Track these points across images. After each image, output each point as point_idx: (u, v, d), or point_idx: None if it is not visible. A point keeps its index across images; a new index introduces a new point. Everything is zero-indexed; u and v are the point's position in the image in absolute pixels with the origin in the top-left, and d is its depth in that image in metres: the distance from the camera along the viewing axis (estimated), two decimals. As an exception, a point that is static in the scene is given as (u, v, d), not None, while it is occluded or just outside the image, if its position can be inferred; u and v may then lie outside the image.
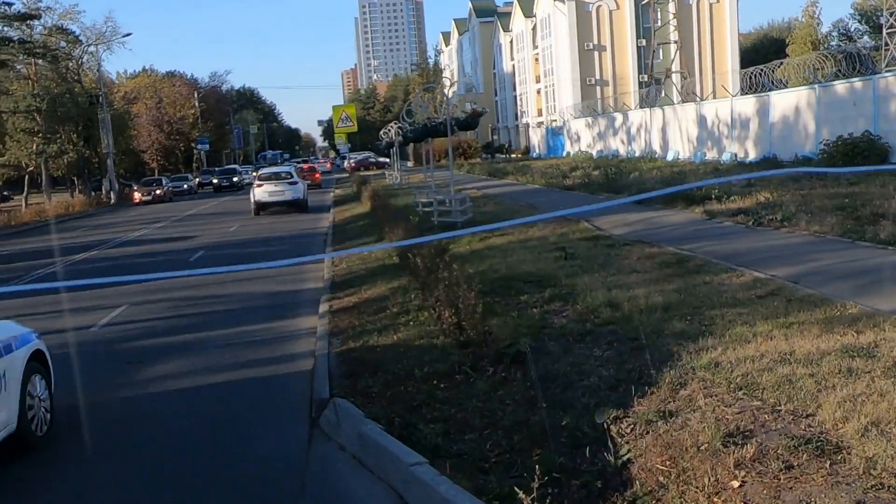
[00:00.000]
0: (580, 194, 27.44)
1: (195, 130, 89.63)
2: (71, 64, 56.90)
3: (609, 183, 26.93)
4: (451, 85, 55.51)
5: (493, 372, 7.96)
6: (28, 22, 47.06)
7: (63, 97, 54.10)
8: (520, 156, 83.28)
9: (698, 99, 46.51)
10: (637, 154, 46.20)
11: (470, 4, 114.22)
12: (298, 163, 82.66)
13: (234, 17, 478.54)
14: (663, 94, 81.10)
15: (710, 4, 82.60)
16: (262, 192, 32.86)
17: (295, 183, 33.48)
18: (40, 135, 49.75)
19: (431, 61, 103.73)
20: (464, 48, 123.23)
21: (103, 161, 57.56)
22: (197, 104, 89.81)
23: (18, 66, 49.65)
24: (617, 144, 50.99)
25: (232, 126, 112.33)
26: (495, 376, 7.82)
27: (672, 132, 42.18)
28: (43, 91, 50.56)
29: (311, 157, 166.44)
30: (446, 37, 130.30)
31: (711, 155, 37.15)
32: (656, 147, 44.34)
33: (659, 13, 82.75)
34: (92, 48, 56.80)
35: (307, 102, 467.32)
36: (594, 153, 54.17)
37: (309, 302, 13.76)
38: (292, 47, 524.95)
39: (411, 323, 10.24)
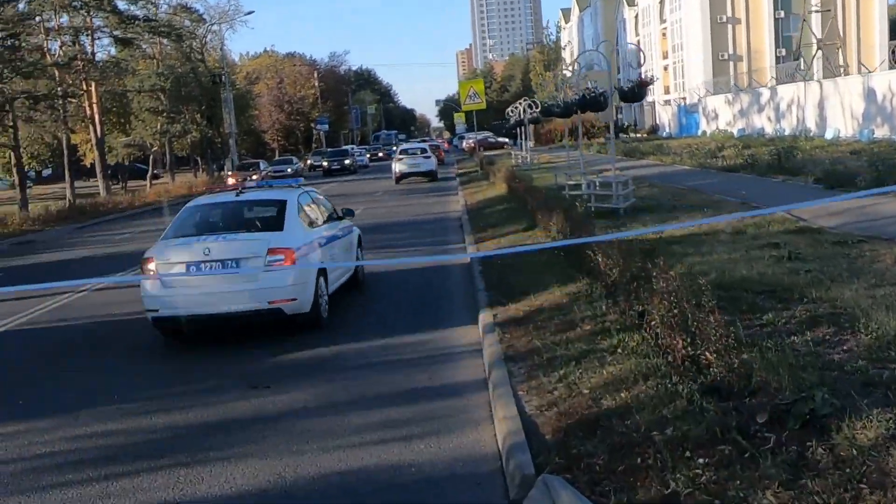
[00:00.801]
0: (746, 176, 24.20)
1: (315, 110, 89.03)
2: (195, 43, 56.36)
3: (780, 164, 23.59)
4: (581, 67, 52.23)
5: (777, 443, 5.31)
6: (152, 0, 46.30)
7: (187, 77, 53.53)
8: (645, 135, 79.15)
9: (866, 70, 41.90)
10: (787, 132, 42.12)
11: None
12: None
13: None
14: (804, 69, 75.88)
15: (857, -28, 76.21)
16: (402, 164, 39.12)
17: (429, 157, 39.54)
18: (164, 114, 49.18)
19: (552, 38, 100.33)
20: (584, 24, 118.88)
21: (226, 141, 56.92)
22: (317, 84, 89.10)
23: (144, 46, 49.14)
24: (762, 122, 46.86)
25: (350, 106, 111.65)
26: (783, 451, 5.17)
27: (832, 108, 38.02)
28: (167, 70, 50.03)
29: (426, 138, 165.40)
30: (566, 13, 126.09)
31: (882, 132, 33.03)
32: (811, 125, 40.21)
33: (799, -18, 77.01)
34: (215, 27, 56.16)
35: (422, 83, 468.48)
36: (734, 131, 50.08)
37: (462, 306, 11.37)
38: (408, 28, 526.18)
39: (618, 350, 7.58)
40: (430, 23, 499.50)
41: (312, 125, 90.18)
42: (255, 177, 40.73)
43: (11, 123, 34.57)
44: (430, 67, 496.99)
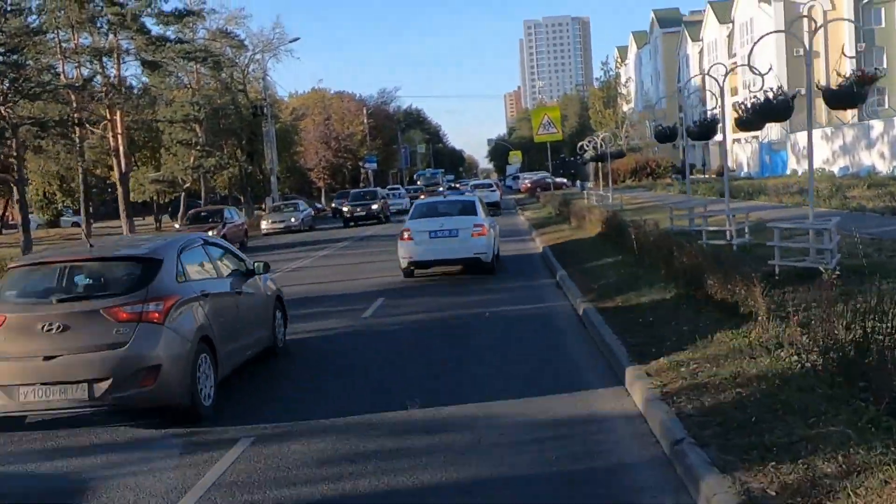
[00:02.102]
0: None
1: (363, 148, 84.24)
2: (236, 73, 51.68)
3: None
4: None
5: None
6: (189, 23, 41.52)
7: (227, 108, 48.78)
8: (714, 176, 72.80)
9: None
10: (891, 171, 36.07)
11: (652, 14, 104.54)
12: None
13: (401, 38, 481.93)
14: (887, 106, 69.34)
15: (946, 2, 69.74)
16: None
17: (494, 191, 41.52)
18: (198, 147, 44.18)
19: (601, 80, 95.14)
20: (643, 62, 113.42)
21: (267, 178, 51.97)
22: (366, 121, 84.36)
23: (179, 73, 44.35)
24: (872, 159, 40.49)
25: (399, 145, 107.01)
26: None
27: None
28: (204, 100, 45.09)
29: (473, 178, 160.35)
30: (622, 51, 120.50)
31: None
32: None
33: (883, 12, 70.81)
34: (258, 55, 51.41)
35: (470, 125, 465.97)
36: (835, 170, 43.74)
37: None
38: (458, 69, 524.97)
39: None
40: (481, 64, 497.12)
41: (360, 164, 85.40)
42: (212, 231, 27.00)
43: (14, 153, 29.58)
44: (478, 110, 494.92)
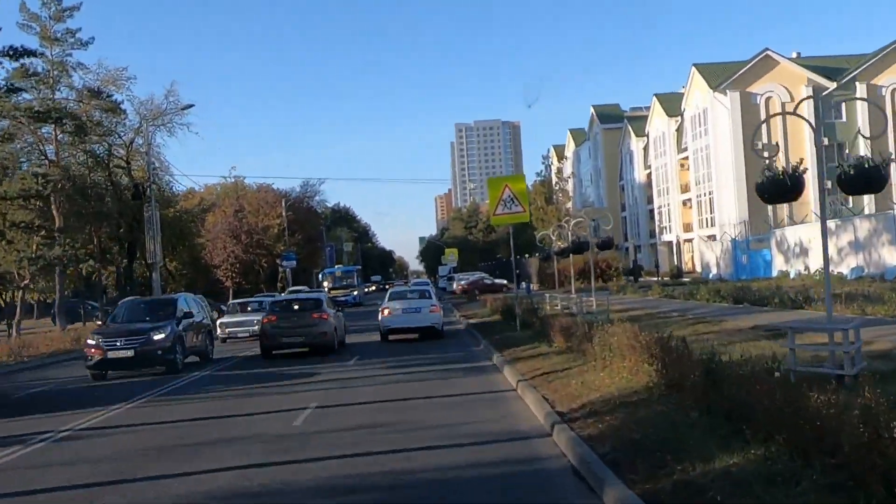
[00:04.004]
0: None
1: (280, 244, 74.18)
2: (116, 147, 41.53)
3: None
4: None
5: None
6: (45, 80, 31.58)
7: (99, 186, 38.52)
8: (669, 278, 64.72)
9: None
10: None
11: (592, 110, 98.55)
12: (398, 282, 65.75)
13: (325, 138, 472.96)
14: (851, 204, 62.76)
15: (909, 95, 64.38)
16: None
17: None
18: (43, 233, 33.57)
19: (542, 174, 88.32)
20: (581, 160, 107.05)
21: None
22: (284, 214, 74.53)
23: (28, 138, 34.07)
24: (890, 257, 32.43)
25: (324, 244, 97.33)
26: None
27: None
28: (59, 174, 34.58)
29: (402, 279, 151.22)
30: (559, 150, 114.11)
31: None
32: None
33: (844, 107, 65.02)
34: (142, 125, 41.10)
35: (401, 226, 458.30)
36: (843, 271, 35.54)
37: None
38: (389, 170, 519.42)
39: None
40: (412, 166, 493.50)
41: (278, 261, 75.21)
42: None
43: None
44: (409, 211, 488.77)
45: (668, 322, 20.93)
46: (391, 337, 25.23)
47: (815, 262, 38.44)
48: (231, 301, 38.82)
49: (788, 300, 22.31)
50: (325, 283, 58.56)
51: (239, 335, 30.11)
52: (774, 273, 42.91)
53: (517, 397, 12.57)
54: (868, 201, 62.50)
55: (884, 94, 64.32)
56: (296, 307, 23.71)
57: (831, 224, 38.41)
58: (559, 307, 29.01)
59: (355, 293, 64.58)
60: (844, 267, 35.83)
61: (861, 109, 64.00)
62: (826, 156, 58.87)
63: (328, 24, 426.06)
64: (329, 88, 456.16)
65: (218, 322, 30.19)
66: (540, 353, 16.47)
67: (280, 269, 77.64)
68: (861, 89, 64.05)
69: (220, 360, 22.83)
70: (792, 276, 39.70)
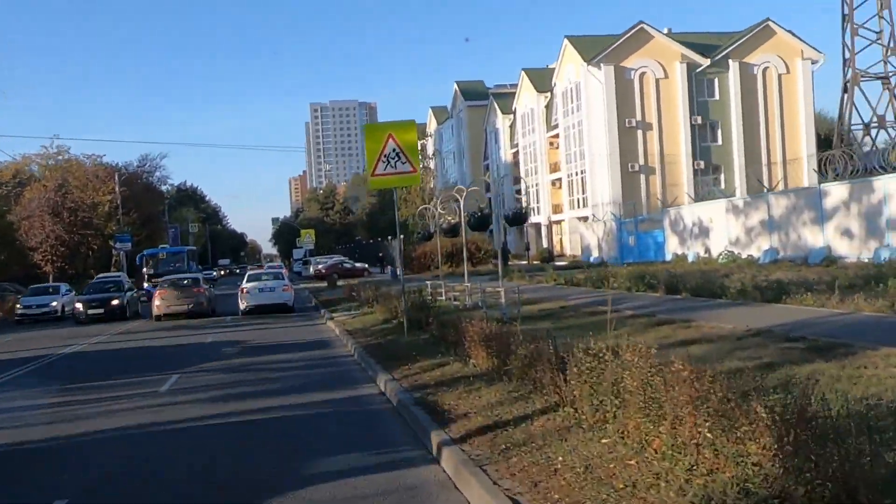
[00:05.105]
0: None
1: (112, 224, 65.26)
2: None
3: None
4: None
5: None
6: None
7: None
8: (538, 262, 60.58)
9: None
10: (862, 255, 24.15)
11: (455, 87, 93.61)
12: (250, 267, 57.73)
13: (172, 114, 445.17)
14: (723, 185, 60.54)
15: (780, 76, 62.56)
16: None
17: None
18: None
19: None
20: (444, 139, 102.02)
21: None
22: (118, 189, 65.49)
23: None
24: (813, 238, 28.56)
25: (167, 224, 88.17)
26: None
27: None
28: None
29: (255, 263, 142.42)
30: (421, 129, 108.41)
31: None
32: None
33: (717, 84, 62.58)
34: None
35: (254, 209, 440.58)
36: (753, 253, 31.54)
37: None
38: (241, 153, 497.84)
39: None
40: (266, 148, 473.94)
41: (111, 242, 66.18)
42: None
43: None
44: (263, 194, 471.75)
45: (604, 322, 15.64)
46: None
47: (718, 244, 34.43)
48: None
49: (758, 294, 17.31)
50: (145, 268, 47.99)
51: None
52: (668, 256, 38.83)
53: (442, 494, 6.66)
54: (740, 183, 60.48)
55: (755, 72, 62.15)
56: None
57: (739, 201, 34.53)
58: (446, 298, 23.27)
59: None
60: (755, 249, 31.84)
61: (734, 88, 61.82)
62: (699, 135, 55.79)
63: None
64: (180, 61, 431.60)
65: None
66: (455, 378, 10.65)
67: (114, 253, 68.70)
68: (734, 67, 61.69)
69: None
70: (691, 259, 35.61)
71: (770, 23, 62.60)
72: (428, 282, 27.79)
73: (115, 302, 32.15)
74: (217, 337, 21.46)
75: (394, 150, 15.62)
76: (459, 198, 23.71)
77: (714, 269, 28.40)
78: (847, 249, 26.68)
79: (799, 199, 30.02)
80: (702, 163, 61.36)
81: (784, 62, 62.44)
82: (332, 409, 10.25)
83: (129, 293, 34.10)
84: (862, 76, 47.95)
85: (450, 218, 24.95)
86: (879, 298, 14.37)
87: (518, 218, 53.31)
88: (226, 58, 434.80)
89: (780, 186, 44.58)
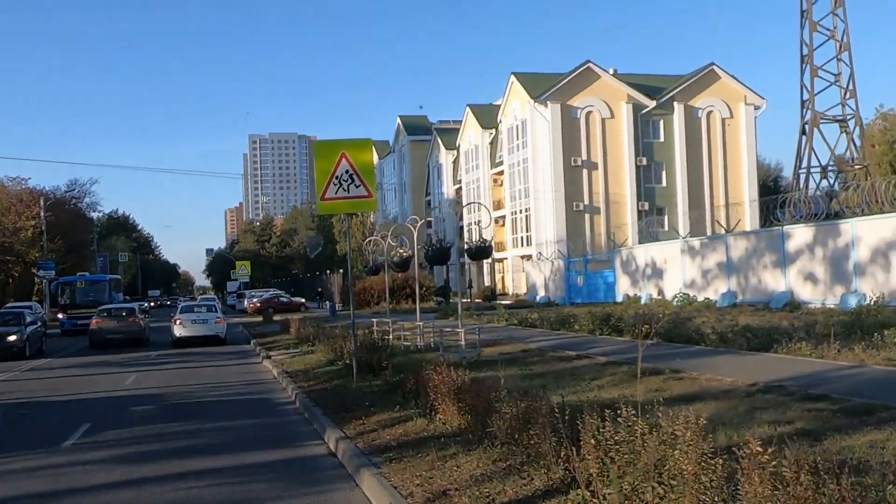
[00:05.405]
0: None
1: (35, 250, 61.86)
2: None
3: None
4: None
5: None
6: None
7: None
8: (481, 301, 59.19)
9: None
10: (826, 300, 23.19)
11: (398, 121, 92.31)
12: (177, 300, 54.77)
13: (104, 141, 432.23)
14: (666, 228, 60.07)
15: (724, 120, 62.73)
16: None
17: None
18: None
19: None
20: (385, 173, 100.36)
21: None
22: (43, 214, 62.23)
23: None
24: (775, 282, 27.55)
25: (95, 253, 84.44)
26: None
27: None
28: None
29: (188, 295, 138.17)
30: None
31: None
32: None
33: (662, 125, 62.45)
34: None
35: (188, 240, 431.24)
36: (710, 297, 30.42)
37: None
38: (175, 183, 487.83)
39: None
40: (201, 179, 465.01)
41: (33, 270, 62.76)
42: None
43: None
44: (198, 225, 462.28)
45: (578, 369, 13.98)
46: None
47: (672, 286, 33.28)
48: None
49: (744, 341, 15.84)
50: (61, 298, 44.05)
51: None
52: (619, 297, 37.57)
53: None
54: (683, 225, 60.08)
55: (700, 115, 62.22)
56: None
57: (696, 242, 33.48)
58: (394, 338, 21.41)
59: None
60: (712, 292, 30.76)
61: (679, 131, 61.73)
62: (644, 176, 55.14)
63: (114, 20, 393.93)
64: (112, 84, 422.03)
65: None
66: (421, 438, 8.85)
67: (36, 281, 65.14)
68: (679, 109, 61.65)
69: None
70: (644, 300, 34.40)
71: (715, 67, 62.87)
72: (373, 319, 25.94)
73: (10, 338, 26.66)
74: (136, 381, 18.99)
75: (347, 171, 13.88)
76: (413, 229, 21.99)
77: (673, 312, 27.15)
78: (811, 294, 25.70)
79: (760, 240, 29.10)
80: (646, 204, 60.93)
81: (728, 107, 62.68)
82: (270, 479, 8.31)
83: (31, 327, 28.55)
84: (821, 118, 47.94)
85: (402, 251, 23.12)
86: (879, 350, 13.04)
87: (482, 252, 51.70)
88: (163, 85, 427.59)
89: (722, 231, 44.06)
